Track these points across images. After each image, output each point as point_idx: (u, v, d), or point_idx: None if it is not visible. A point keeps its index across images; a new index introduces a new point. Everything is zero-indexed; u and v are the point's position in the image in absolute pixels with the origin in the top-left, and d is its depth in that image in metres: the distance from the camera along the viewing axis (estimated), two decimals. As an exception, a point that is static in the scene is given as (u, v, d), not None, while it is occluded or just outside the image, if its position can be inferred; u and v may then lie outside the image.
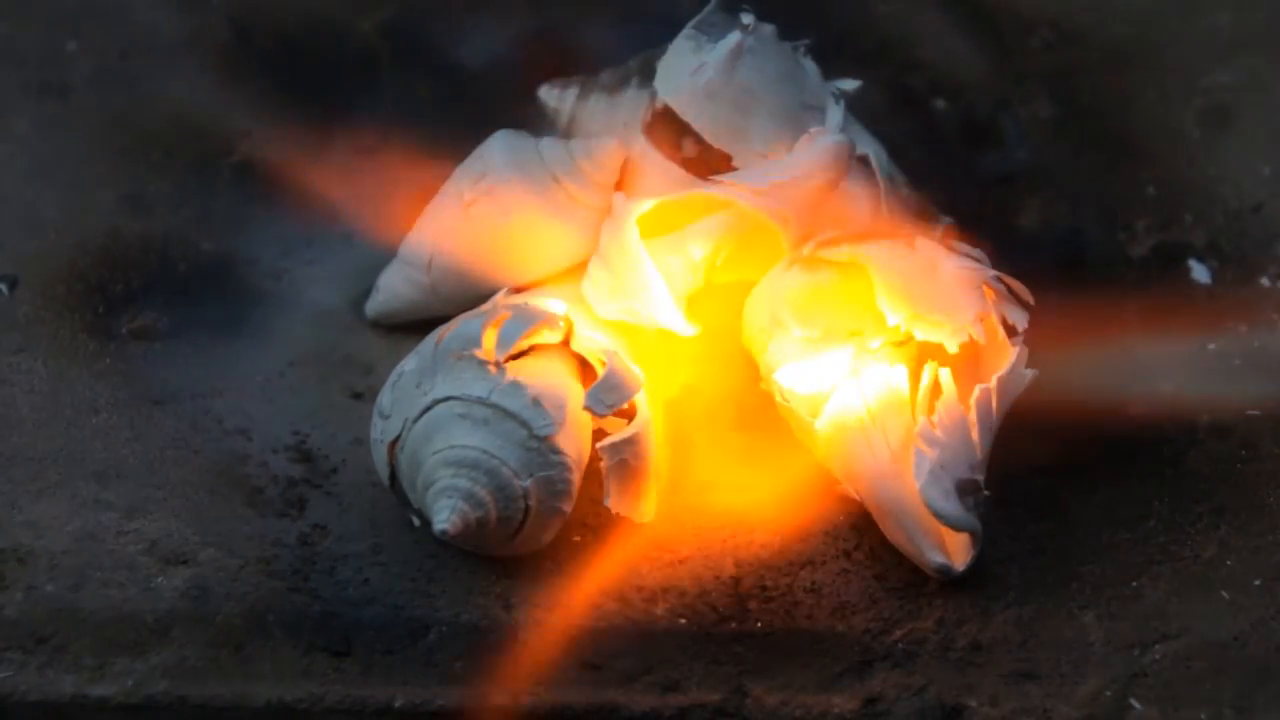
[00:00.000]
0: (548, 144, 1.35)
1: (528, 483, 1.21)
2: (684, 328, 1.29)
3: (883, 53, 1.56)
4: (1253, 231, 1.45)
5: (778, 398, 1.27)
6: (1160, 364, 1.37)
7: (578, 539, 1.25)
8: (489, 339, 1.23)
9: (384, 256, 1.37)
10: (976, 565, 1.22)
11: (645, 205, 1.28)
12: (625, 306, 1.29)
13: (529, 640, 1.20)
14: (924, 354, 1.26)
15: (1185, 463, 1.31)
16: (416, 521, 1.23)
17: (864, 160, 1.34)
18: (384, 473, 1.23)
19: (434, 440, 1.21)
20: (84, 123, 1.47)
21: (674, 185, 1.31)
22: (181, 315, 1.37)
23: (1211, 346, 1.38)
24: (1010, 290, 1.25)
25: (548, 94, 1.41)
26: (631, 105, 1.37)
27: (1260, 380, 1.36)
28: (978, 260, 1.26)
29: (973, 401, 1.22)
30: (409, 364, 1.24)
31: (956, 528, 1.21)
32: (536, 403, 1.21)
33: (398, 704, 1.17)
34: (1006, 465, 1.25)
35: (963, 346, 1.23)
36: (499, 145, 1.35)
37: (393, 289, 1.37)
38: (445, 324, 1.26)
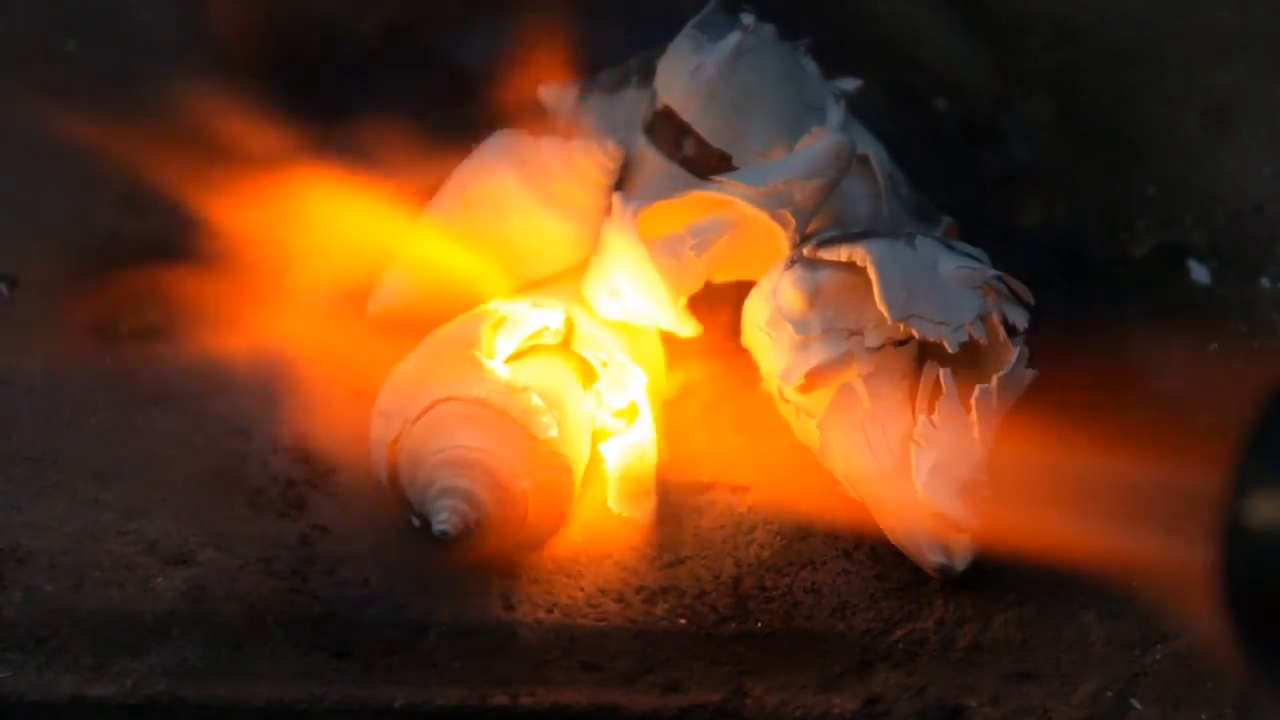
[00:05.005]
0: (548, 144, 1.35)
1: (527, 483, 1.21)
2: (684, 328, 1.29)
3: (883, 53, 1.56)
4: (1253, 231, 1.45)
5: (778, 398, 1.27)
6: (1160, 364, 1.37)
7: (578, 539, 1.25)
8: (489, 339, 1.23)
9: (384, 257, 1.37)
10: (976, 565, 1.22)
11: (645, 206, 1.28)
12: (625, 306, 1.29)
13: (529, 640, 1.20)
14: (924, 354, 1.26)
15: (1185, 463, 1.31)
16: (416, 522, 1.23)
17: (864, 160, 1.34)
18: (383, 473, 1.23)
19: (433, 441, 1.21)
20: (84, 123, 1.47)
21: (674, 185, 1.31)
22: (181, 316, 1.37)
23: (1212, 346, 1.38)
24: (1010, 290, 1.25)
25: (548, 94, 1.41)
26: (631, 105, 1.37)
27: (1260, 380, 1.36)
28: (978, 260, 1.26)
29: (973, 401, 1.22)
30: (409, 364, 1.24)
31: (957, 528, 1.21)
32: (536, 403, 1.21)
33: (398, 704, 1.17)
34: (1007, 465, 1.25)
35: (963, 346, 1.23)
36: (499, 145, 1.35)
37: (393, 289, 1.37)
38: (445, 324, 1.26)
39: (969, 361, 1.25)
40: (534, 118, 1.40)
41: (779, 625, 1.22)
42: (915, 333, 1.23)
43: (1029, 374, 1.24)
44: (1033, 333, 1.25)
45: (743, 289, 1.31)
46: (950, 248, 1.26)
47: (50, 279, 1.38)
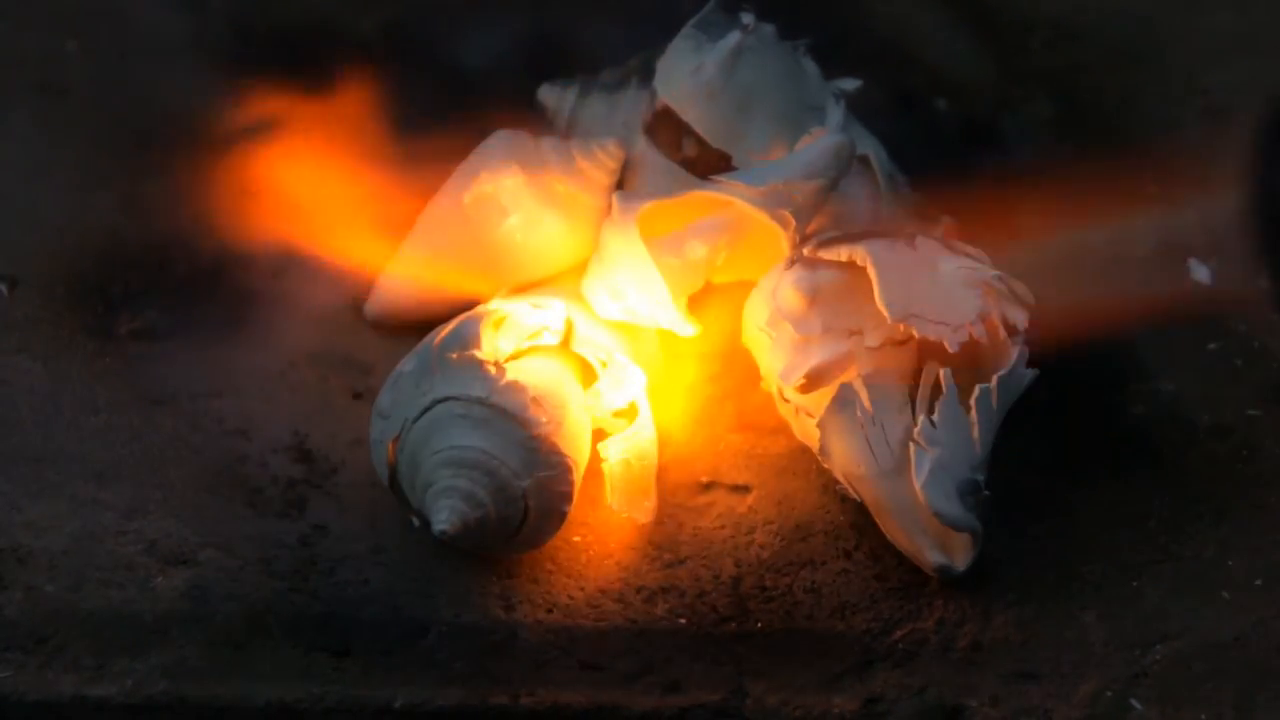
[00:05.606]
0: (548, 144, 1.35)
1: (527, 483, 1.21)
2: (684, 328, 1.29)
3: (883, 53, 1.56)
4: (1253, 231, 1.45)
5: (778, 398, 1.27)
6: (1160, 364, 1.37)
7: (578, 539, 1.25)
8: (488, 339, 1.23)
9: (384, 257, 1.37)
10: (976, 565, 1.22)
11: (645, 205, 1.28)
12: (625, 306, 1.29)
13: (529, 640, 1.20)
14: (924, 354, 1.26)
15: (1185, 463, 1.31)
16: (416, 522, 1.23)
17: (864, 160, 1.34)
18: (383, 473, 1.23)
19: (433, 441, 1.21)
20: (84, 123, 1.47)
21: (674, 185, 1.31)
22: (181, 315, 1.37)
23: (1211, 346, 1.38)
24: (1010, 290, 1.25)
25: (548, 94, 1.41)
26: (631, 105, 1.37)
27: (1260, 380, 1.36)
28: (978, 260, 1.26)
29: (973, 401, 1.22)
30: (408, 364, 1.24)
31: (957, 528, 1.21)
32: (536, 403, 1.21)
33: (398, 704, 1.17)
34: (1006, 465, 1.25)
35: (963, 346, 1.23)
36: (499, 145, 1.35)
37: (393, 289, 1.37)
38: (444, 324, 1.26)
39: (969, 361, 1.25)
40: (534, 118, 1.40)
41: (779, 625, 1.22)
42: (915, 333, 1.23)
43: (1029, 374, 1.24)
44: (1033, 333, 1.25)
45: (743, 289, 1.31)
46: (950, 248, 1.26)
47: (50, 279, 1.38)
